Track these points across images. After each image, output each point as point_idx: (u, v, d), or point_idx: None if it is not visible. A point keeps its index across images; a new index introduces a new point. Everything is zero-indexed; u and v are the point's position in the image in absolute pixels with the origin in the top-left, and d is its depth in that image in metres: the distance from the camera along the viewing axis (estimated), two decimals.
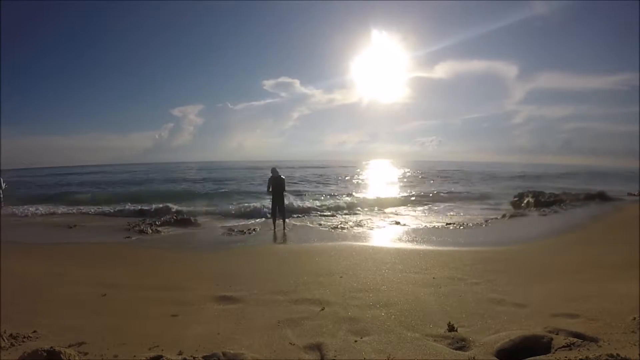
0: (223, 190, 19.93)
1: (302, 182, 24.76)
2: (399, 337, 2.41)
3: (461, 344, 2.28)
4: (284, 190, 9.31)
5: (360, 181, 27.21)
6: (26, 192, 19.13)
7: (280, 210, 9.21)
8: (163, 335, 2.54)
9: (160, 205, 12.35)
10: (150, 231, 8.78)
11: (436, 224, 9.29)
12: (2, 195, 10.98)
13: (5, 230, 8.52)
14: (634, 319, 2.43)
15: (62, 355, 1.95)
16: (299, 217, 11.09)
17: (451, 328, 2.47)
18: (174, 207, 12.10)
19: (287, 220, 9.51)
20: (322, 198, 15.11)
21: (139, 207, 12.42)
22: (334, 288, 3.75)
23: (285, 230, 8.71)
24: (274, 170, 9.32)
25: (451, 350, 2.20)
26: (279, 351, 2.26)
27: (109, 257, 6.20)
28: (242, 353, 2.13)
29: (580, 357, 1.94)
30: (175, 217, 10.25)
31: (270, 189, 9.20)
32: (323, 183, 25.01)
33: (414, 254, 5.42)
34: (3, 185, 11.07)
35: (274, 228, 8.95)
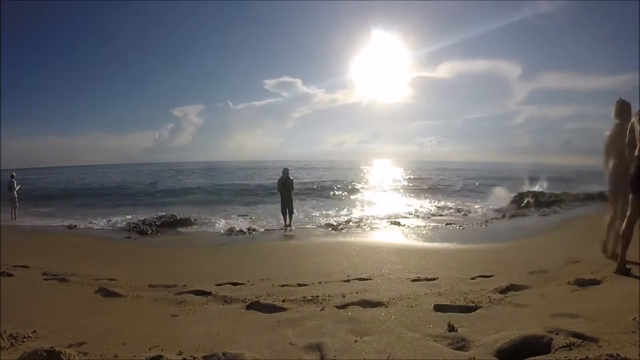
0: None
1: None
2: (399, 337, 2.41)
3: (461, 344, 2.27)
4: (291, 190, 9.61)
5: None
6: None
7: (288, 210, 9.46)
8: (163, 335, 2.54)
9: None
10: (150, 231, 8.79)
11: (436, 224, 9.29)
12: (17, 197, 11.10)
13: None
14: (634, 319, 2.42)
15: (62, 355, 1.95)
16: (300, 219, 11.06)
17: (451, 328, 2.47)
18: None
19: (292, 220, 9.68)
20: None
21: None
22: (334, 288, 3.75)
23: (292, 229, 8.84)
24: (285, 171, 9.74)
25: (451, 350, 2.19)
26: (279, 351, 2.26)
27: (109, 257, 6.20)
28: (242, 353, 2.12)
29: (580, 357, 1.93)
30: (175, 217, 10.24)
31: (279, 189, 9.61)
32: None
33: (414, 254, 5.42)
34: (17, 187, 11.17)
35: (285, 227, 9.21)
